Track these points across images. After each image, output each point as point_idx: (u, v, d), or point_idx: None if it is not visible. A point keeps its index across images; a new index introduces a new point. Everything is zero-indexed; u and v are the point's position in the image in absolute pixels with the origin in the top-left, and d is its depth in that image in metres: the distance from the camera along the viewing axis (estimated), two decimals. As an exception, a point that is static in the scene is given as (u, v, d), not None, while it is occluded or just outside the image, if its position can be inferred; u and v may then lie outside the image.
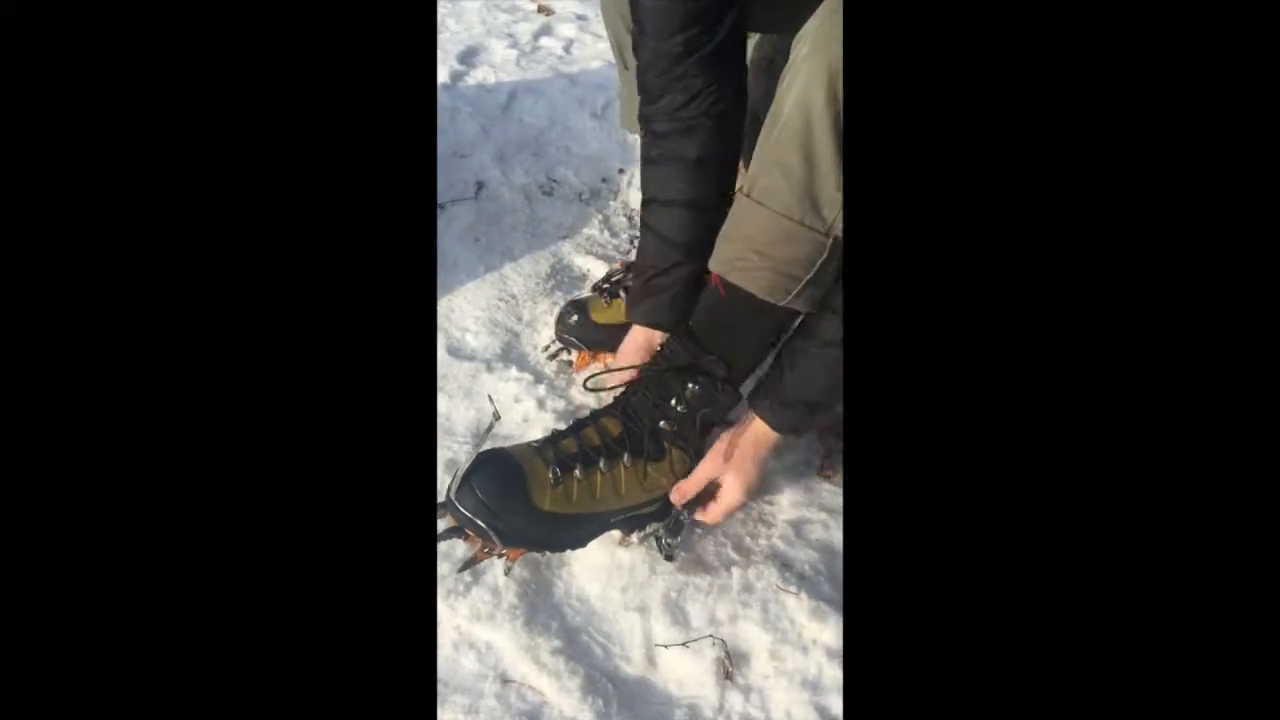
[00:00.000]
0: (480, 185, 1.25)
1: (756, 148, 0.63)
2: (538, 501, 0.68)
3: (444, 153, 1.32)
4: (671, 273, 0.77)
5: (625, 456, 0.71)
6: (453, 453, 0.84)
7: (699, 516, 0.75)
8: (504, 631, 0.69)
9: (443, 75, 1.53)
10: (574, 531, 0.70)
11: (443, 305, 1.04)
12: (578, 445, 0.71)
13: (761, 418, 0.72)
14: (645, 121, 0.77)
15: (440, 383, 0.93)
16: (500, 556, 0.72)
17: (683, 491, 0.73)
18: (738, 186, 0.67)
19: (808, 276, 0.63)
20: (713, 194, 0.76)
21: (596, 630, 0.71)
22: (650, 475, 0.72)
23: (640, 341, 0.80)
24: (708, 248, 0.69)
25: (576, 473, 0.69)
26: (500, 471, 0.68)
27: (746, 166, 0.69)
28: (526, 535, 0.68)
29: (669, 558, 0.73)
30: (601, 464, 0.70)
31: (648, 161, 0.78)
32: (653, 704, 0.66)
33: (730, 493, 0.73)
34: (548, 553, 0.74)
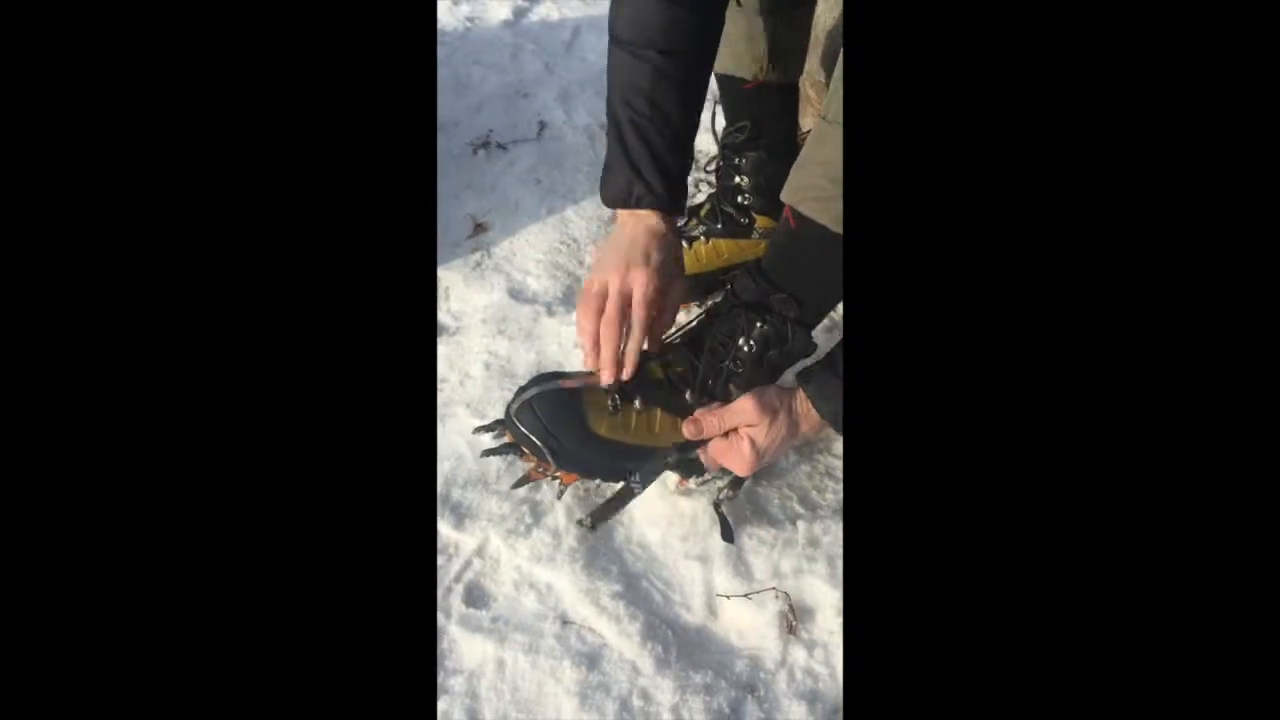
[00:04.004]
0: (543, 125, 1.22)
1: (836, 69, 0.59)
2: (594, 426, 0.67)
3: (506, 92, 1.30)
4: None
5: (687, 394, 0.70)
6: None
7: (707, 455, 0.68)
8: (564, 574, 0.69)
9: (505, 12, 1.49)
10: (628, 463, 0.69)
11: (504, 248, 1.03)
12: (641, 378, 0.70)
13: (810, 399, 0.65)
14: None
15: (501, 325, 0.92)
16: (554, 479, 0.72)
17: (702, 425, 0.67)
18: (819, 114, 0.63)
19: None
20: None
21: (656, 577, 0.70)
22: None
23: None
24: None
25: (636, 404, 0.68)
26: (559, 392, 0.68)
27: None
28: (581, 459, 0.68)
29: (728, 538, 0.69)
30: (662, 398, 0.69)
31: None
32: (713, 653, 0.65)
33: (751, 450, 0.66)
34: (600, 482, 0.73)
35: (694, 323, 0.73)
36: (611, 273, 0.68)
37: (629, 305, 0.67)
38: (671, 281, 0.71)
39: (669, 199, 0.71)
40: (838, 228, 0.61)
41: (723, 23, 0.73)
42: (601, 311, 0.68)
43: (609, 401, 0.68)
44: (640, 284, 0.67)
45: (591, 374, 0.70)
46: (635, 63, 0.69)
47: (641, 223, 0.71)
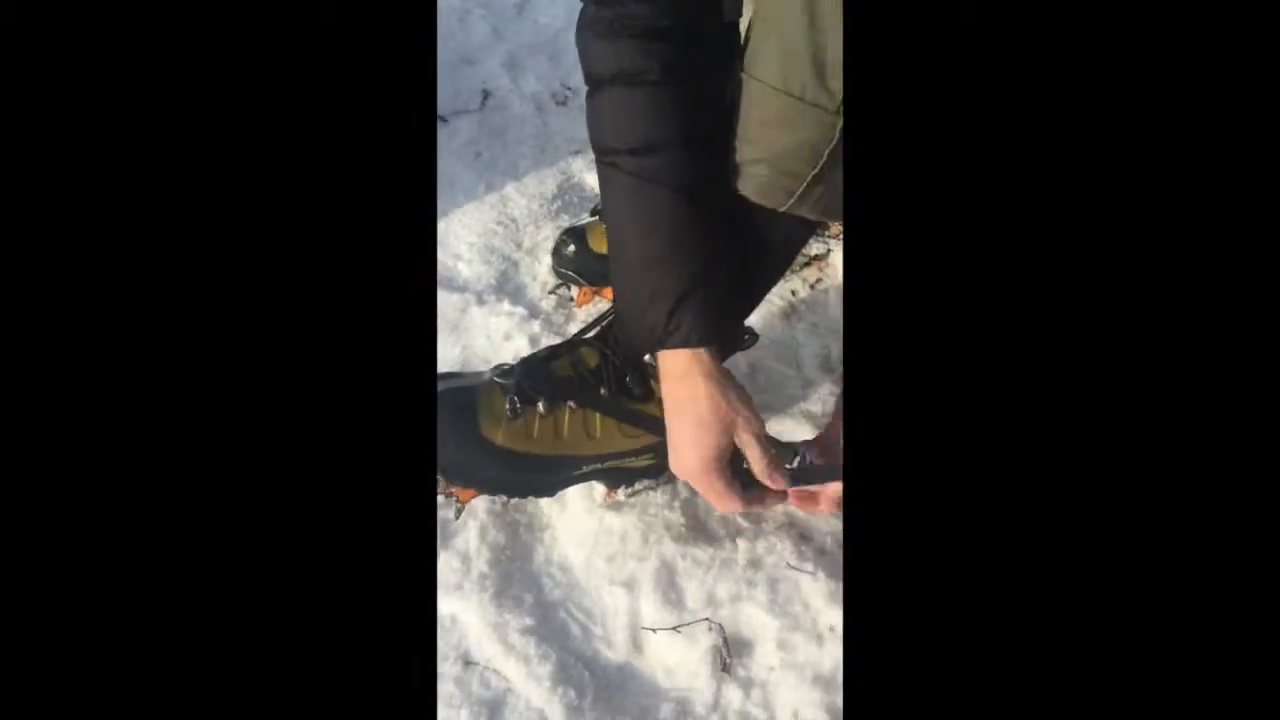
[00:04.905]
0: (486, 94, 1.12)
1: (754, 16, 0.50)
2: (488, 434, 0.58)
3: (449, 59, 1.19)
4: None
5: (600, 392, 0.60)
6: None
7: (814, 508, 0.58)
8: (471, 604, 0.61)
9: (455, -27, 1.38)
10: (535, 474, 0.60)
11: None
12: (545, 376, 0.60)
13: None
14: None
15: (426, 317, 0.83)
16: (448, 496, 0.63)
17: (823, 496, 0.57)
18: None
19: (813, 172, 0.49)
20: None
21: (576, 606, 0.62)
22: (632, 418, 0.60)
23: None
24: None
25: (539, 407, 0.59)
26: (447, 396, 0.58)
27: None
28: (476, 472, 0.59)
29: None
30: (571, 401, 0.59)
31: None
32: (634, 695, 0.57)
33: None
34: (504, 496, 0.65)
35: (607, 314, 0.64)
36: (715, 437, 0.54)
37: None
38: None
39: (719, 334, 0.55)
40: (759, 199, 0.52)
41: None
42: (726, 472, 0.55)
43: (507, 404, 0.59)
44: (747, 427, 0.54)
45: (482, 372, 0.61)
46: (642, 184, 0.52)
47: (697, 362, 0.54)
